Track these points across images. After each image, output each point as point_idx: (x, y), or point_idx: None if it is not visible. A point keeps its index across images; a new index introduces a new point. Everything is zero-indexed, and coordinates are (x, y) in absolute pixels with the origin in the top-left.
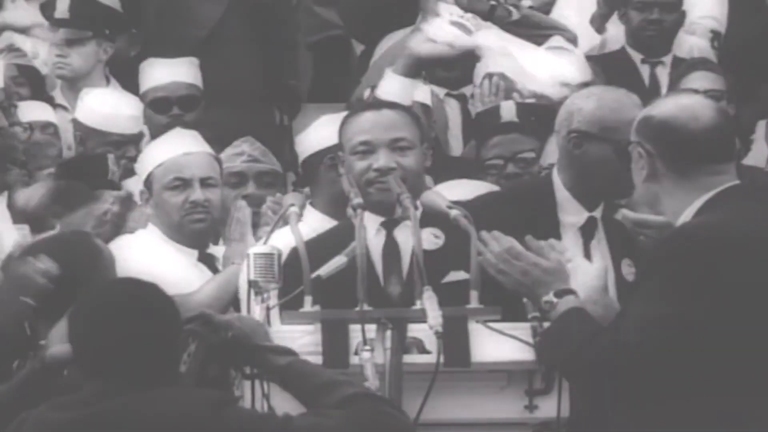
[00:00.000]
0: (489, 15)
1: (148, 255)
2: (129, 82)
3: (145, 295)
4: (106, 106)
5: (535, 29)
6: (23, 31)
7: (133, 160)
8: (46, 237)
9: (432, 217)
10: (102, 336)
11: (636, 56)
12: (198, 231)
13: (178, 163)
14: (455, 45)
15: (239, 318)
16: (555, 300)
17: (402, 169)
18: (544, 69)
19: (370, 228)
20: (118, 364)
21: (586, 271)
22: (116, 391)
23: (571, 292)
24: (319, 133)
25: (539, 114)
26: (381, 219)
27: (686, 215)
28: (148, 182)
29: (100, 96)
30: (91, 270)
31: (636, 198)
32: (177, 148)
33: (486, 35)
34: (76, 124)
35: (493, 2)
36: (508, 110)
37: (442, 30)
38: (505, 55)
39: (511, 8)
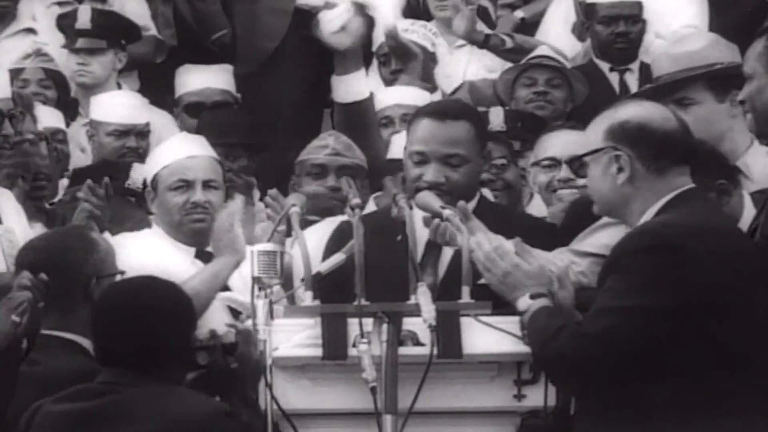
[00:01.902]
0: (484, 44)
1: (148, 252)
2: (157, 87)
3: (165, 292)
4: (106, 97)
5: (528, 55)
6: None
7: (134, 150)
8: (43, 233)
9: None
10: (121, 328)
11: (604, 66)
12: (197, 230)
13: (182, 166)
14: None
15: (247, 357)
16: (529, 302)
17: (449, 184)
18: None
19: (419, 220)
20: (132, 356)
21: None
22: (129, 383)
23: (545, 295)
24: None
25: (525, 120)
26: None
27: (648, 215)
28: (154, 183)
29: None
30: (84, 262)
31: (603, 202)
32: (182, 152)
33: None
34: (90, 122)
35: (488, 32)
36: (496, 116)
37: None
38: None
39: (504, 37)
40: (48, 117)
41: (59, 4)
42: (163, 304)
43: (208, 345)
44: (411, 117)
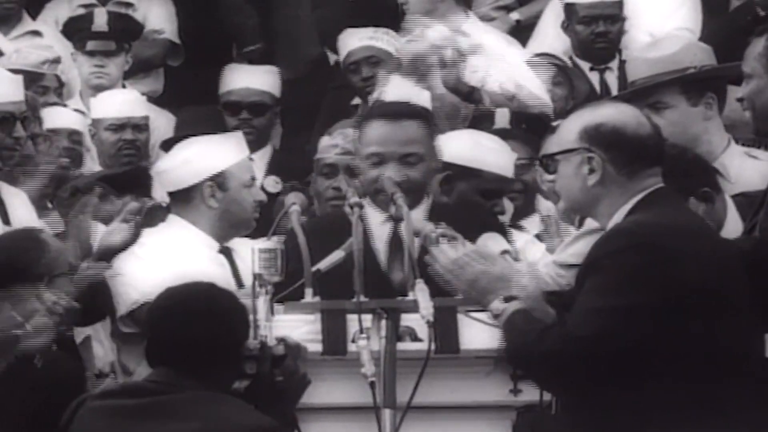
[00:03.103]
0: (467, 97)
1: (171, 245)
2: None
3: (221, 299)
4: (103, 96)
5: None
6: None
7: (130, 143)
8: None
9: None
10: (175, 330)
11: (584, 65)
12: (252, 228)
13: (250, 163)
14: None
15: (293, 371)
16: (503, 306)
17: (409, 182)
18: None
19: (376, 219)
20: (183, 358)
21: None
22: (178, 384)
23: (517, 297)
24: (453, 145)
25: (529, 121)
26: (386, 213)
27: (618, 215)
28: (220, 177)
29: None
30: (37, 262)
31: (571, 201)
32: (244, 150)
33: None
34: (92, 121)
35: (473, 85)
36: (501, 117)
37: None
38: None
39: (485, 96)
40: (65, 118)
41: (85, 6)
42: (218, 310)
43: (256, 355)
44: (360, 119)
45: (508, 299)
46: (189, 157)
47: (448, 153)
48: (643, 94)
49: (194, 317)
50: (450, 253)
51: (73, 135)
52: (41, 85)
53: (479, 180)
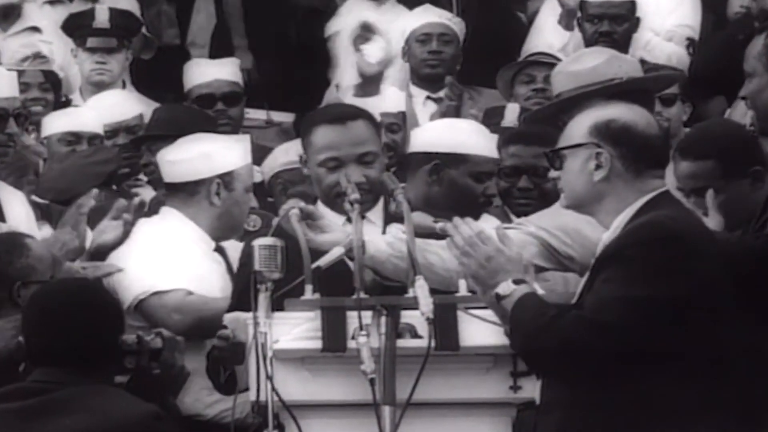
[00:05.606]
0: None
1: (170, 240)
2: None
3: (94, 294)
4: (92, 103)
5: None
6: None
7: (126, 147)
8: None
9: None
10: (52, 328)
11: None
12: (241, 233)
13: (253, 169)
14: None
15: (170, 364)
16: (513, 287)
17: (369, 182)
18: None
19: (338, 223)
20: (63, 356)
21: None
22: (62, 381)
23: (527, 282)
24: (432, 134)
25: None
26: (345, 217)
27: (627, 213)
28: (228, 176)
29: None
30: (8, 265)
31: (574, 196)
32: (249, 155)
33: None
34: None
35: None
36: (511, 112)
37: None
38: None
39: None
40: (86, 121)
41: (51, 3)
42: (93, 305)
43: (135, 349)
44: (303, 128)
45: (518, 281)
46: (206, 151)
47: (430, 142)
48: (566, 106)
49: (72, 314)
50: (467, 228)
51: (94, 139)
52: (23, 81)
53: (467, 164)
